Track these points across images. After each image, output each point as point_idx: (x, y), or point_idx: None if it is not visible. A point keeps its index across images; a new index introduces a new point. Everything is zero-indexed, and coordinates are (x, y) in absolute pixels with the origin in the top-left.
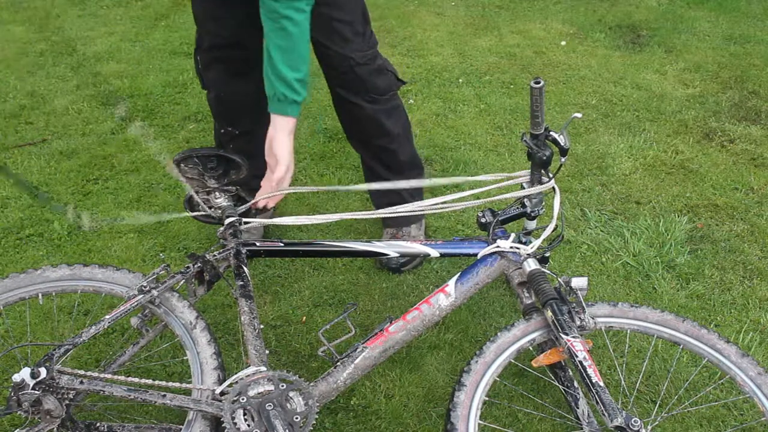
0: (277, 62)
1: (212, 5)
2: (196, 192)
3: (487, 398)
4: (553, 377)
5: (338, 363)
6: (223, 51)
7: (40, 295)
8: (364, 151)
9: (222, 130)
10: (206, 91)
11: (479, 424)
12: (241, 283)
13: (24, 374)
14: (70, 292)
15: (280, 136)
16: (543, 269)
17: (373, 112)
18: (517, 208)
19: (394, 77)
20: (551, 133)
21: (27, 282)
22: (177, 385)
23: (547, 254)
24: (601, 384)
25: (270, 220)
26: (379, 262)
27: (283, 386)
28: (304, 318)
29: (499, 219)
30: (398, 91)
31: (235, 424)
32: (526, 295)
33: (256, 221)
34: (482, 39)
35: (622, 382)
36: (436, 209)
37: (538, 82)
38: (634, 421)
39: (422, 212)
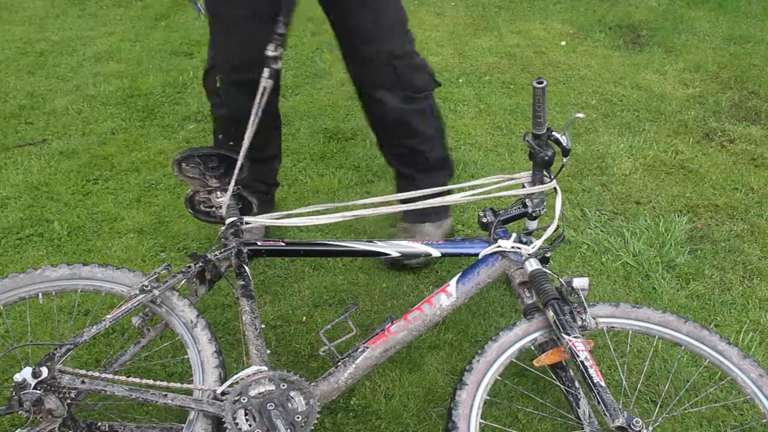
0: None
1: (243, 26)
2: (197, 191)
3: (488, 397)
4: (554, 377)
5: (339, 363)
6: (248, 72)
7: (40, 294)
8: (390, 151)
9: (231, 143)
10: (214, 106)
11: (480, 423)
12: (243, 282)
13: (25, 374)
14: (71, 291)
15: None
16: (545, 269)
17: (405, 112)
18: (519, 208)
19: (430, 77)
20: (553, 133)
21: (27, 282)
22: (178, 385)
23: (547, 254)
24: (603, 384)
25: (274, 221)
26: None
27: (284, 386)
28: (304, 318)
29: (501, 219)
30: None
31: (237, 424)
32: (527, 295)
33: (259, 221)
34: (482, 39)
35: (624, 383)
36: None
37: (541, 82)
38: (636, 422)
39: (419, 207)
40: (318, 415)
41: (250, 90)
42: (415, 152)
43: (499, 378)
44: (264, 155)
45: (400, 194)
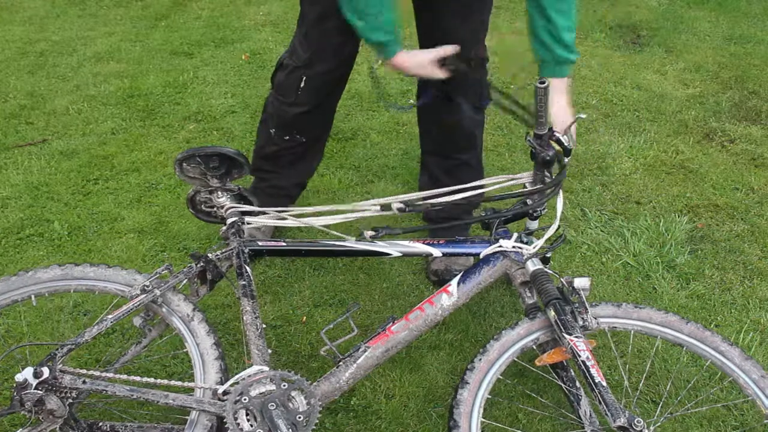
0: (561, 29)
1: (350, 29)
2: (198, 191)
3: (489, 396)
4: (555, 377)
5: (341, 363)
6: (341, 70)
7: (32, 296)
8: (439, 164)
9: (286, 137)
10: (286, 104)
11: (482, 422)
12: (244, 282)
13: (27, 374)
14: (63, 292)
15: (557, 97)
16: (546, 269)
17: (473, 122)
18: (520, 207)
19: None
20: (555, 133)
21: (18, 284)
22: (179, 384)
23: (548, 254)
24: (604, 384)
25: (275, 222)
26: (434, 275)
27: (285, 386)
28: (305, 318)
29: (502, 219)
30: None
31: (238, 424)
32: (528, 294)
33: (260, 221)
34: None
35: (625, 383)
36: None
37: (543, 82)
38: (637, 421)
39: (421, 209)
40: (318, 415)
41: (336, 87)
42: (464, 165)
43: (501, 377)
44: (310, 152)
45: (400, 196)
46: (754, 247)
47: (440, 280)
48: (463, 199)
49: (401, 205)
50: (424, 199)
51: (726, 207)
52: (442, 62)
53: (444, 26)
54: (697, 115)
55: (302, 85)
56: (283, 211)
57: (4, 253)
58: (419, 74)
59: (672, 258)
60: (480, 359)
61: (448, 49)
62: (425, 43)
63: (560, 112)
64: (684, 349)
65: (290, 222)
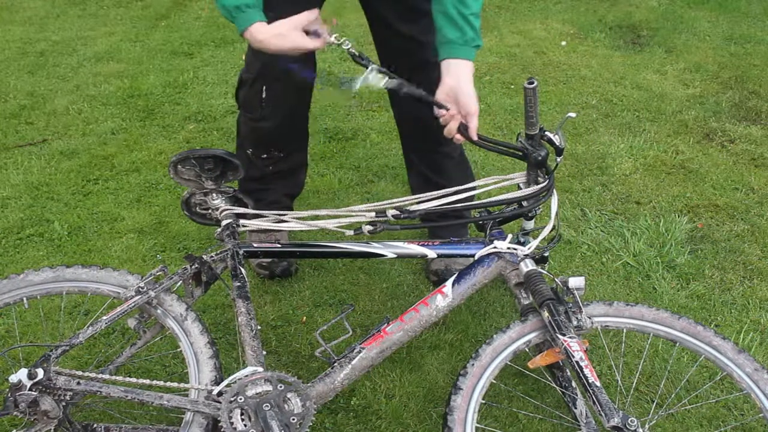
0: (471, 5)
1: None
2: (193, 193)
3: (484, 401)
4: (550, 378)
5: (335, 364)
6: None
7: (24, 299)
8: (422, 159)
9: (264, 155)
10: (253, 120)
11: (477, 427)
12: (239, 284)
13: (21, 375)
14: (56, 294)
15: (465, 82)
16: (540, 270)
17: None
18: (514, 208)
19: None
20: (546, 132)
21: (10, 287)
22: (175, 385)
23: (545, 254)
24: (598, 384)
25: (270, 225)
26: (434, 275)
27: (280, 387)
28: (305, 318)
29: (496, 219)
30: None
31: (232, 423)
32: (524, 295)
33: (255, 224)
34: (482, 39)
35: (619, 382)
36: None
37: (532, 83)
38: (631, 421)
39: (418, 212)
40: (317, 415)
41: (292, 95)
42: (447, 158)
43: (494, 381)
44: (292, 165)
45: (395, 200)
46: (754, 247)
47: (440, 280)
48: (457, 200)
49: (396, 212)
50: (419, 201)
51: (726, 207)
52: (308, 32)
53: (398, 31)
54: (697, 115)
55: (263, 96)
56: (278, 215)
57: (4, 253)
58: (281, 47)
59: (672, 258)
60: (473, 364)
61: (311, 15)
62: (384, 53)
63: (469, 99)
64: (677, 345)
65: (284, 226)
